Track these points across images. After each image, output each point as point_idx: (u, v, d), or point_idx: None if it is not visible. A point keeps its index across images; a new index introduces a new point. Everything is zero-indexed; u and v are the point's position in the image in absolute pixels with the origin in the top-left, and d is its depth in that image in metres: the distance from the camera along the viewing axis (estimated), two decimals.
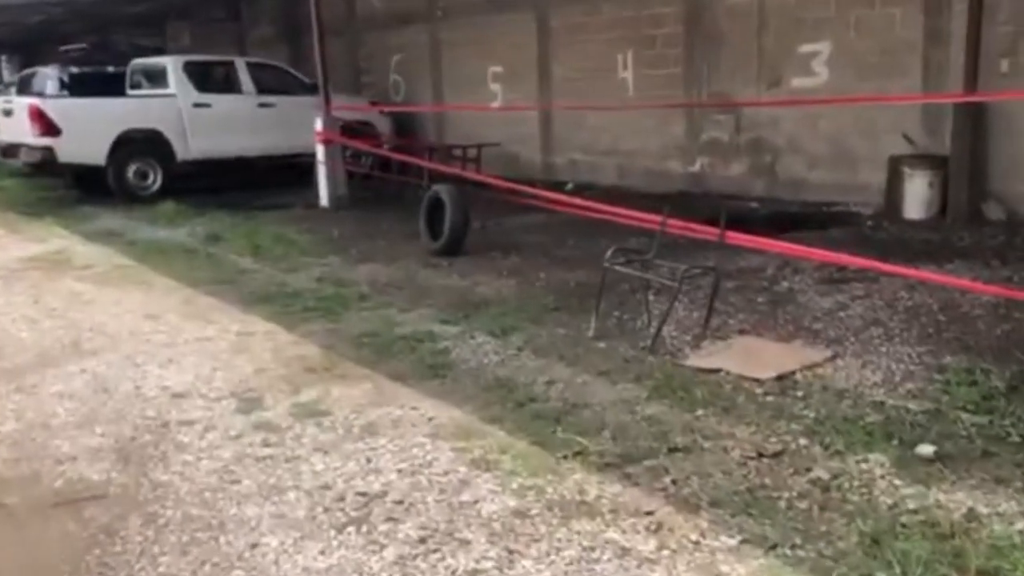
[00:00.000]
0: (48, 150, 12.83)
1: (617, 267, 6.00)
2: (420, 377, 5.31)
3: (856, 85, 10.09)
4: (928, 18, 9.50)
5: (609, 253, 5.90)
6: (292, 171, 13.90)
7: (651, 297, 6.32)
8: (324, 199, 11.99)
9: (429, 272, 8.15)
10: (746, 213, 10.51)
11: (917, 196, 9.44)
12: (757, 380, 4.92)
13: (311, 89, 13.33)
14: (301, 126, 12.48)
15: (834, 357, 5.26)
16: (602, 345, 5.72)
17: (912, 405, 4.50)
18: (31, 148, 13.01)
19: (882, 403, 4.56)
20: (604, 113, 12.46)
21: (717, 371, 5.07)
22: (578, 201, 7.93)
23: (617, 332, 5.96)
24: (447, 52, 15.58)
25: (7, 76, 30.72)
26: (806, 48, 10.46)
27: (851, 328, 5.81)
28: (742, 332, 5.87)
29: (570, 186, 13.14)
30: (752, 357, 5.25)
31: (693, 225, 6.26)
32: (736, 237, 5.79)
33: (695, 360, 5.33)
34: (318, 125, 11.84)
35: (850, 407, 4.54)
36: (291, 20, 19.07)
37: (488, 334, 6.06)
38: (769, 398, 4.72)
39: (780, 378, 4.95)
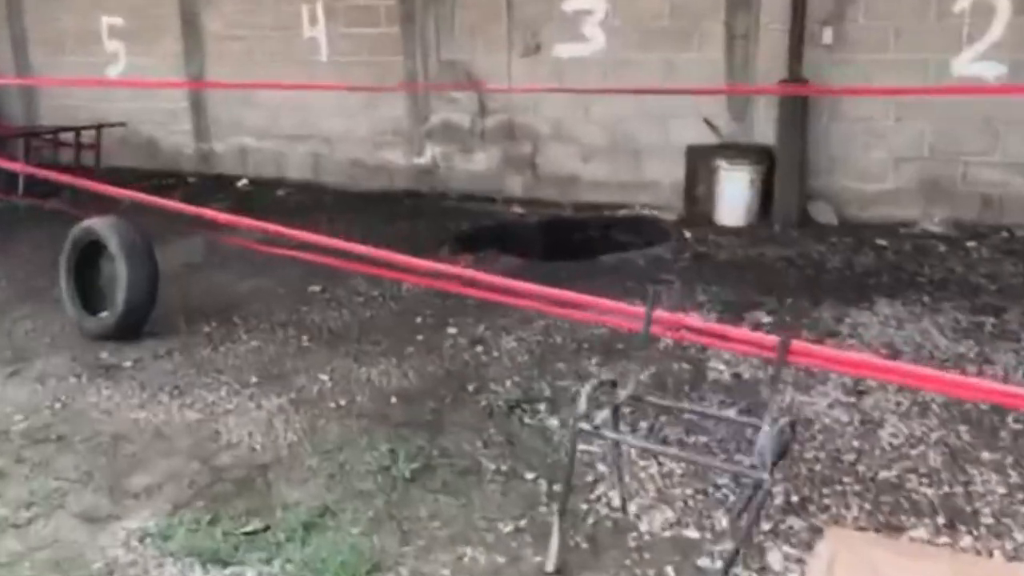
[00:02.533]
0: None
1: (602, 433, 3.22)
2: None
3: (639, 56, 7.94)
4: None
5: (583, 399, 3.07)
6: None
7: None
8: None
9: (103, 391, 4.70)
10: (511, 224, 8.05)
11: (736, 197, 7.53)
12: None
13: None
14: None
15: None
16: None
17: None
18: None
19: None
20: (290, 80, 9.24)
21: None
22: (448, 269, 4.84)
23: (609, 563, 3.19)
24: None
25: None
26: (574, 5, 8.10)
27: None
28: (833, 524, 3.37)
29: (243, 183, 9.78)
30: None
31: (717, 328, 3.52)
32: (806, 352, 3.14)
33: None
34: None
35: None
36: None
37: None
38: None
39: None
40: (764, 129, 7.65)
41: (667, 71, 7.85)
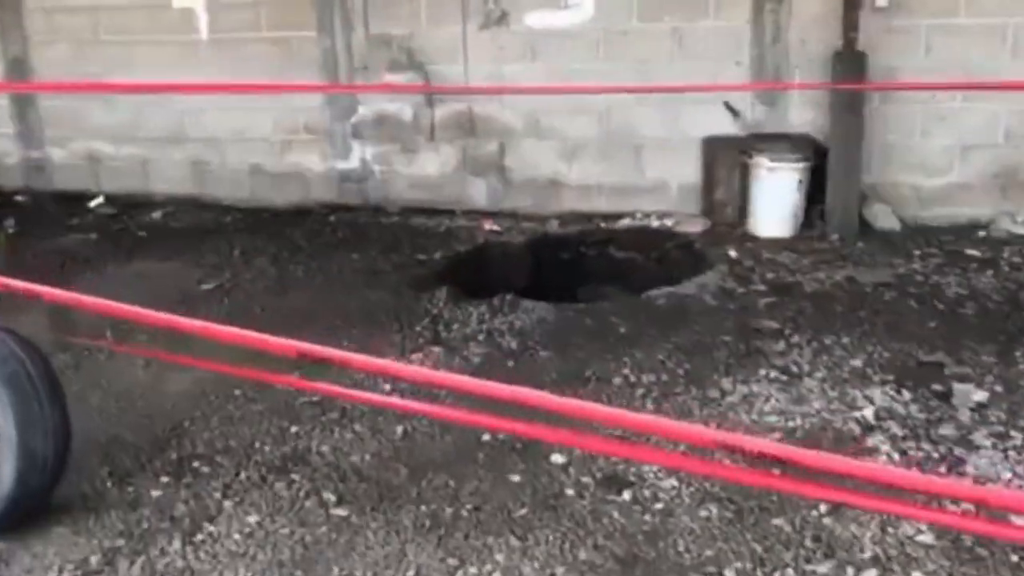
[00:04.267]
0: None
1: None
2: None
3: (640, 26, 6.26)
4: None
5: None
6: None
7: None
8: None
9: None
10: (491, 248, 6.26)
11: (780, 202, 6.02)
12: None
13: None
14: None
15: None
16: None
17: None
18: None
19: None
20: (157, 67, 6.95)
21: None
22: None
23: None
24: None
25: None
26: None
27: None
28: None
29: (98, 202, 7.43)
30: None
31: None
32: None
33: None
34: None
35: None
36: None
37: None
38: None
39: None
40: (801, 114, 6.18)
41: (676, 45, 6.21)
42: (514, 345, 4.59)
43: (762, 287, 5.25)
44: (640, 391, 4.08)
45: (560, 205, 6.65)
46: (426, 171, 6.86)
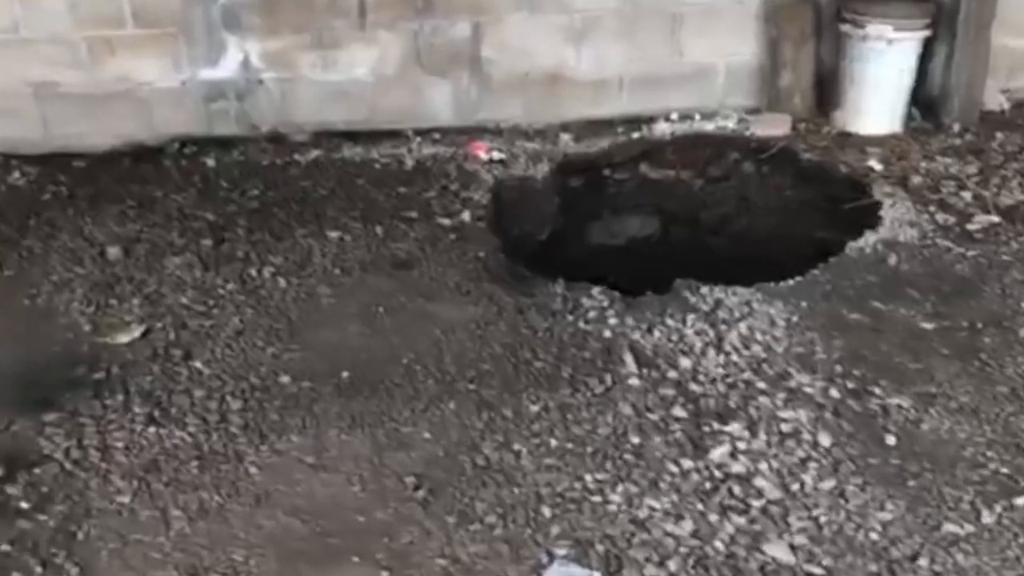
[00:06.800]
0: None
1: None
2: None
3: None
4: None
5: None
6: None
7: None
8: None
9: None
10: (515, 196, 4.18)
11: (895, 85, 4.41)
12: None
13: None
14: None
15: None
16: None
17: None
18: None
19: None
20: None
21: None
22: None
23: None
24: None
25: None
26: None
27: None
28: None
29: None
30: None
31: None
32: None
33: None
34: None
35: None
36: None
37: None
38: None
39: None
40: None
41: None
42: None
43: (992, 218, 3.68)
44: None
45: (563, 111, 4.54)
46: (354, 73, 4.38)
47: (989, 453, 2.50)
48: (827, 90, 4.56)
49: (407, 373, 2.86)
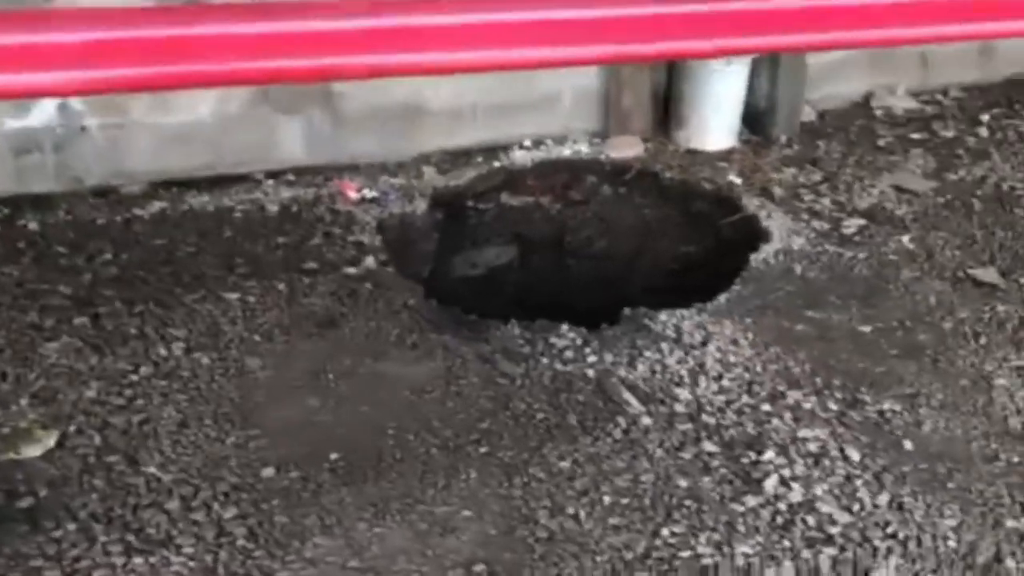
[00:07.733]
0: None
1: None
2: None
3: None
4: None
5: None
6: None
7: None
8: None
9: None
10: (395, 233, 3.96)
11: (731, 103, 4.62)
12: None
13: None
14: None
15: None
16: None
17: None
18: None
19: None
20: None
21: None
22: None
23: None
24: None
25: None
26: None
27: None
28: None
29: None
30: None
31: None
32: None
33: None
34: None
35: None
36: None
37: None
38: None
39: None
40: None
41: None
42: None
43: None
44: None
45: (421, 143, 4.32)
46: (194, 114, 3.89)
47: (993, 445, 2.65)
48: (669, 110, 4.71)
49: (400, 445, 2.55)
